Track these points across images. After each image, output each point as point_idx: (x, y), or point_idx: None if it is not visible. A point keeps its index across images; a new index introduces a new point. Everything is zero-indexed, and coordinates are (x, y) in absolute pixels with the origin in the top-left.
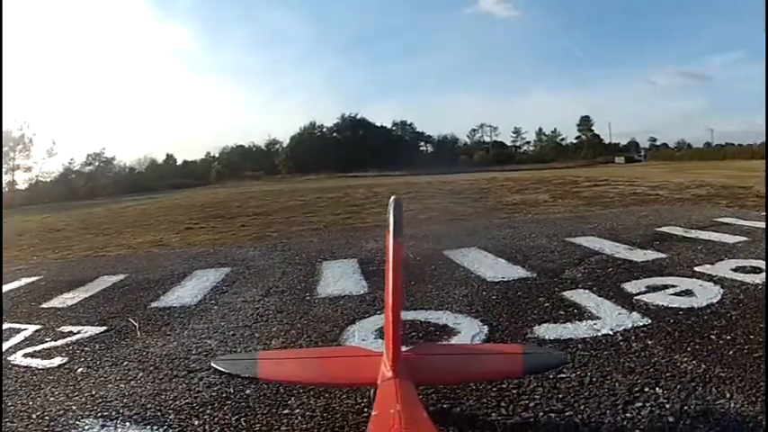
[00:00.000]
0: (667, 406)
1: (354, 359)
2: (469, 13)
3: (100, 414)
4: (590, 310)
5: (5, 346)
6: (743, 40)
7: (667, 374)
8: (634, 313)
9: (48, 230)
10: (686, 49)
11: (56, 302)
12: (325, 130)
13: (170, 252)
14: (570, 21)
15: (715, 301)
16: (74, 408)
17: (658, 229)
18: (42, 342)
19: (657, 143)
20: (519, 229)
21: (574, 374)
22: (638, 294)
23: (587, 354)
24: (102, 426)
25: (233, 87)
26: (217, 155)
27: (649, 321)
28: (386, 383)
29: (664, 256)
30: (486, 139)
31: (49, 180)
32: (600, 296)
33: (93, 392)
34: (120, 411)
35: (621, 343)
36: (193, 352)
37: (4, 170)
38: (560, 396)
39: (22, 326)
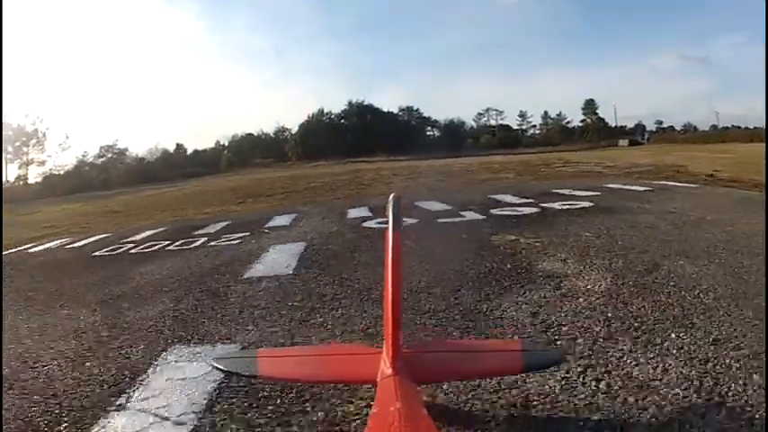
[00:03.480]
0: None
1: (354, 357)
2: None
3: (263, 254)
4: (466, 216)
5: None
6: (745, 22)
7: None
8: (481, 216)
9: (110, 212)
10: (691, 32)
11: (208, 230)
12: (333, 116)
13: (242, 214)
14: (575, 4)
15: (533, 212)
16: (250, 254)
17: (554, 190)
18: (219, 239)
19: (664, 126)
20: (468, 192)
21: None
22: (493, 212)
23: (459, 227)
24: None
25: (239, 73)
26: (226, 143)
27: (484, 217)
28: (385, 381)
29: (532, 201)
30: (493, 122)
31: (62, 173)
32: (474, 213)
33: (258, 250)
34: (276, 257)
35: (468, 224)
36: (301, 236)
37: (18, 164)
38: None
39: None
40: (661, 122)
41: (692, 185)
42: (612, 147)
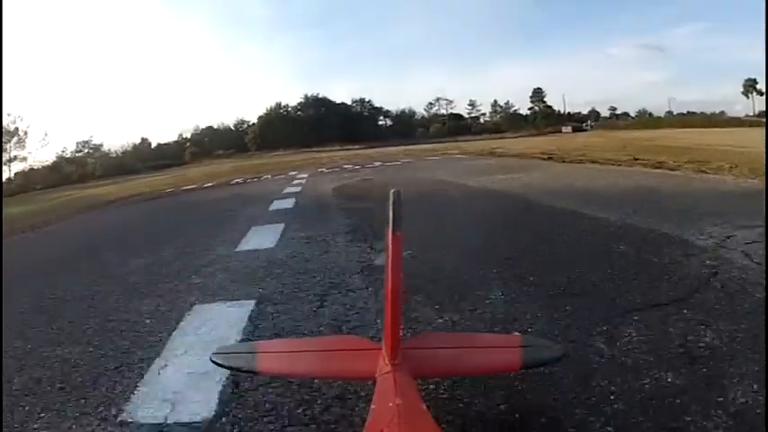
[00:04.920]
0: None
1: (353, 353)
2: None
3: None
4: (367, 166)
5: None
6: (702, 11)
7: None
8: (378, 164)
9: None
10: (649, 21)
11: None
12: (290, 109)
13: (249, 176)
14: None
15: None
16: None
17: (447, 153)
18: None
19: (618, 112)
20: (385, 171)
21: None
22: (376, 164)
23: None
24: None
25: (197, 68)
26: (188, 136)
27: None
28: (384, 377)
29: (411, 159)
30: (443, 111)
31: (41, 167)
32: (372, 167)
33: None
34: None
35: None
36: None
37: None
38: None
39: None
40: (615, 109)
41: (478, 157)
42: (558, 133)
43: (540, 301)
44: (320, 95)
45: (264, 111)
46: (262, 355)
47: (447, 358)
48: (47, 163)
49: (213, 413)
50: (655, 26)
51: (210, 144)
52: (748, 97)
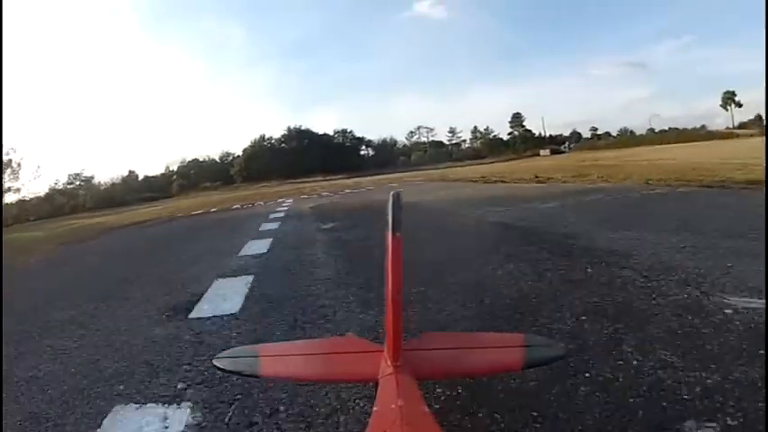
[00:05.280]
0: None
1: (355, 355)
2: (406, 17)
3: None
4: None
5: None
6: (685, 26)
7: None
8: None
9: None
10: (628, 39)
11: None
12: (273, 141)
13: (245, 203)
14: (505, 21)
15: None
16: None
17: (406, 180)
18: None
19: (599, 132)
20: (350, 196)
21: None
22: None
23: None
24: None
25: (182, 100)
26: (174, 169)
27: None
28: (386, 379)
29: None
30: (424, 139)
31: (34, 198)
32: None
33: (299, 206)
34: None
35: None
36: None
37: None
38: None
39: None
40: (596, 129)
41: (429, 182)
42: (536, 156)
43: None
44: (303, 127)
45: (249, 143)
46: (263, 359)
47: (449, 359)
48: (39, 194)
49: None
50: (636, 44)
51: (196, 177)
52: (727, 110)
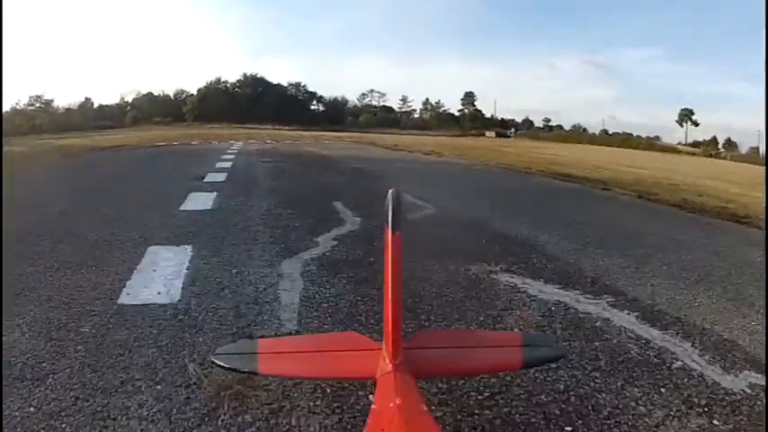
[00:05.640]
0: None
1: (354, 353)
2: None
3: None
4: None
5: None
6: (653, 38)
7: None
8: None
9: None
10: (600, 39)
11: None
12: (228, 85)
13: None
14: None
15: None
16: None
17: (342, 140)
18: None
19: (552, 124)
20: (289, 145)
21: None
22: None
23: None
24: None
25: (139, 31)
26: (129, 100)
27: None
28: (385, 377)
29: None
30: (375, 103)
31: None
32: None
33: (248, 148)
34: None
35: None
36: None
37: None
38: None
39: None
40: (549, 120)
41: (357, 143)
42: (481, 136)
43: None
44: (258, 75)
45: (204, 84)
46: (262, 356)
47: (448, 358)
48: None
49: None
50: (605, 44)
51: (149, 110)
52: (682, 126)
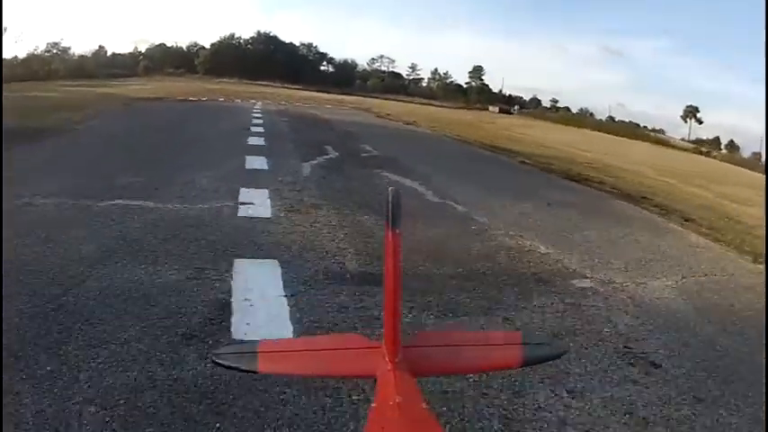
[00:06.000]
0: None
1: (353, 351)
2: None
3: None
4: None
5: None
6: (672, 30)
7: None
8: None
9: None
10: (613, 25)
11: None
12: (242, 41)
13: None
14: None
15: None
16: None
17: (343, 104)
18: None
19: (559, 105)
20: (298, 107)
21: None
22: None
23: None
24: None
25: None
26: (142, 50)
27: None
28: (385, 375)
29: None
30: (384, 68)
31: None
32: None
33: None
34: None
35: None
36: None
37: None
38: None
39: None
40: (556, 101)
41: (356, 109)
42: (484, 110)
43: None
44: (272, 34)
45: (218, 39)
46: (262, 355)
47: (447, 356)
48: (18, 58)
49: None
50: (618, 31)
51: (161, 61)
52: (686, 122)
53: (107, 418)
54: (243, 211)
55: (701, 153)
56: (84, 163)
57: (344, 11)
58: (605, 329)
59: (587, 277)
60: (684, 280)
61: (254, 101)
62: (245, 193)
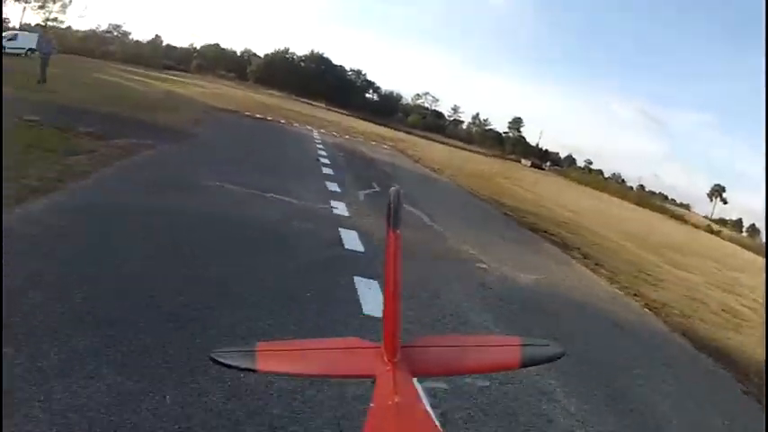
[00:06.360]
0: None
1: (352, 351)
2: None
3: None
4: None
5: None
6: (718, 105)
7: None
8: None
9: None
10: (659, 93)
11: None
12: (295, 57)
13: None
14: (558, 26)
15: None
16: None
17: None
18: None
19: (593, 167)
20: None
21: None
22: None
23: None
24: None
25: None
26: (197, 47)
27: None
28: (383, 375)
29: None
30: (427, 105)
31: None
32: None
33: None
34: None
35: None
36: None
37: (41, 19)
38: None
39: None
40: (590, 162)
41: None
42: (517, 162)
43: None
44: (324, 55)
45: (273, 50)
46: (261, 354)
47: (446, 357)
48: (80, 33)
49: None
50: (663, 99)
51: (214, 61)
52: (712, 200)
53: None
54: (334, 211)
55: (711, 232)
56: (232, 168)
57: (397, 39)
58: (477, 278)
59: (486, 263)
60: (545, 278)
61: (310, 127)
62: (333, 203)
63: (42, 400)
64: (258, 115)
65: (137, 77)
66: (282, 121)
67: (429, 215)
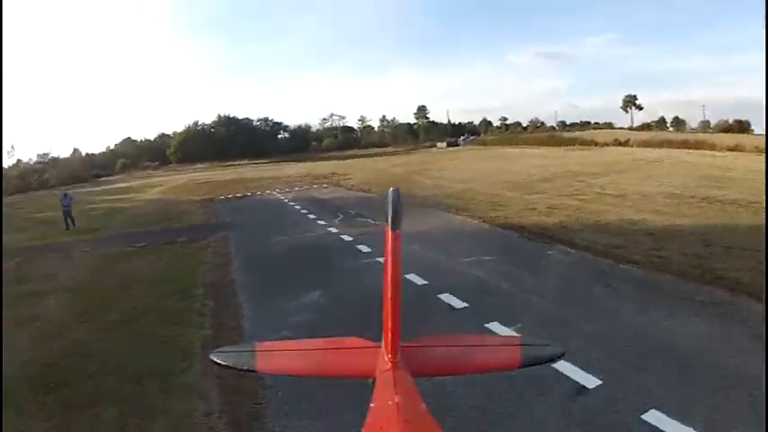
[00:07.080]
0: None
1: (353, 351)
2: None
3: None
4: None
5: None
6: (616, 23)
7: None
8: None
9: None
10: (549, 29)
11: None
12: (205, 126)
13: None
14: (431, 8)
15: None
16: None
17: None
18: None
19: (509, 122)
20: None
21: None
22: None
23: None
24: None
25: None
26: (112, 147)
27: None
28: (384, 375)
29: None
30: (336, 125)
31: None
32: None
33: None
34: None
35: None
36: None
37: None
38: None
39: None
40: (506, 119)
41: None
42: (433, 147)
43: None
44: (231, 115)
45: (184, 127)
46: (261, 354)
47: (446, 357)
48: (13, 171)
49: None
50: (556, 34)
51: (134, 155)
52: (627, 112)
53: None
54: (331, 230)
55: (620, 144)
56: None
57: (286, 74)
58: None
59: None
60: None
61: (269, 191)
62: (329, 228)
63: None
64: (229, 196)
65: (106, 196)
66: (249, 194)
67: (358, 213)
